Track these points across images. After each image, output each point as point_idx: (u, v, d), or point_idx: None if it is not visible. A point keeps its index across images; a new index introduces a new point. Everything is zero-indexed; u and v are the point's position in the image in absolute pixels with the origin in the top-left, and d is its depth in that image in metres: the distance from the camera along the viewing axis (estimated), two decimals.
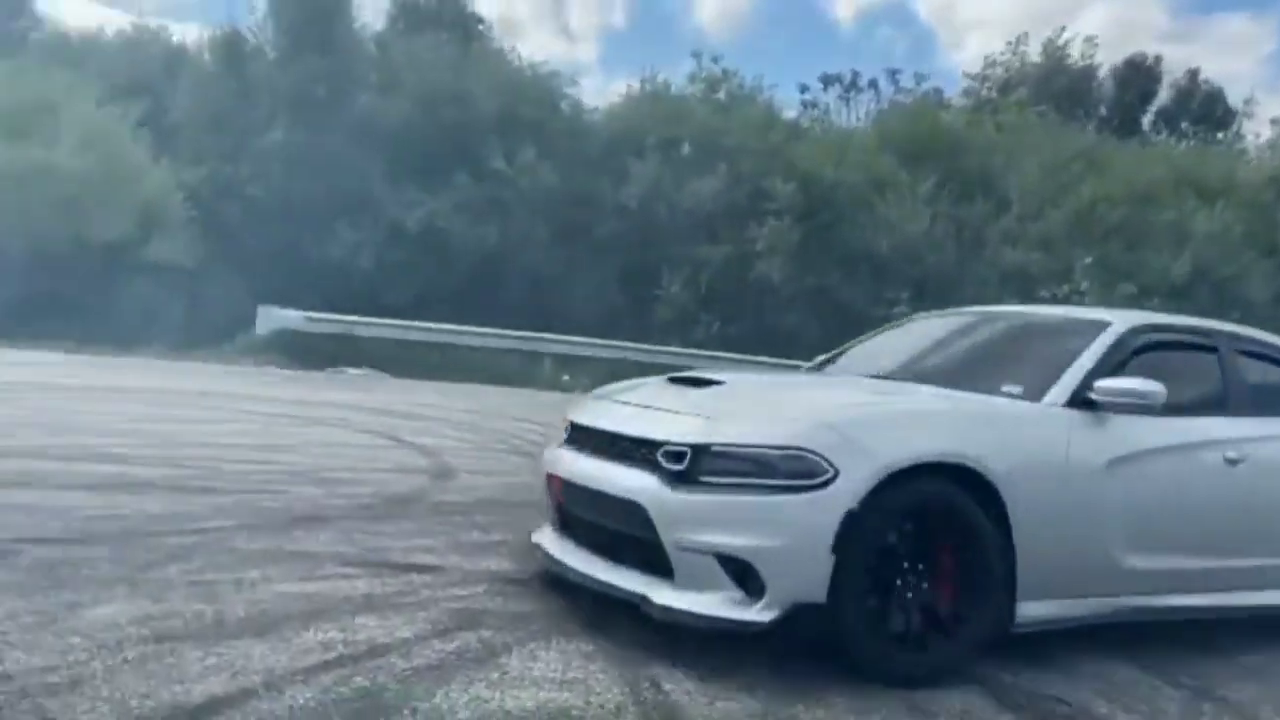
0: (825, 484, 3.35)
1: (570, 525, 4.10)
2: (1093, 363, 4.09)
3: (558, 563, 3.98)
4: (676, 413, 3.79)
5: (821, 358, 5.39)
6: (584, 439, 4.07)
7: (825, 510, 3.33)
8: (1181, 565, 4.14)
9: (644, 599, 3.48)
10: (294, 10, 23.66)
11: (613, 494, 3.68)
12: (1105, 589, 3.95)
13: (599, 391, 4.52)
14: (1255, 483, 4.31)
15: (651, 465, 3.57)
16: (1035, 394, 4.00)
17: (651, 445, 3.61)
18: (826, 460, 3.37)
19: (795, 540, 3.33)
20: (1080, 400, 3.96)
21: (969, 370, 4.44)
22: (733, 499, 3.40)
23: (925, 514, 3.52)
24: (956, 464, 3.54)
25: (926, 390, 4.16)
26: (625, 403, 4.10)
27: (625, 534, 3.65)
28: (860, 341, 5.46)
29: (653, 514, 3.48)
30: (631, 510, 3.55)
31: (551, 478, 4.16)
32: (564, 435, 4.28)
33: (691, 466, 3.47)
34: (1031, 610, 3.72)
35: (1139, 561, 3.98)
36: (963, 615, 3.53)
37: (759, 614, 3.33)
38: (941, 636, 3.51)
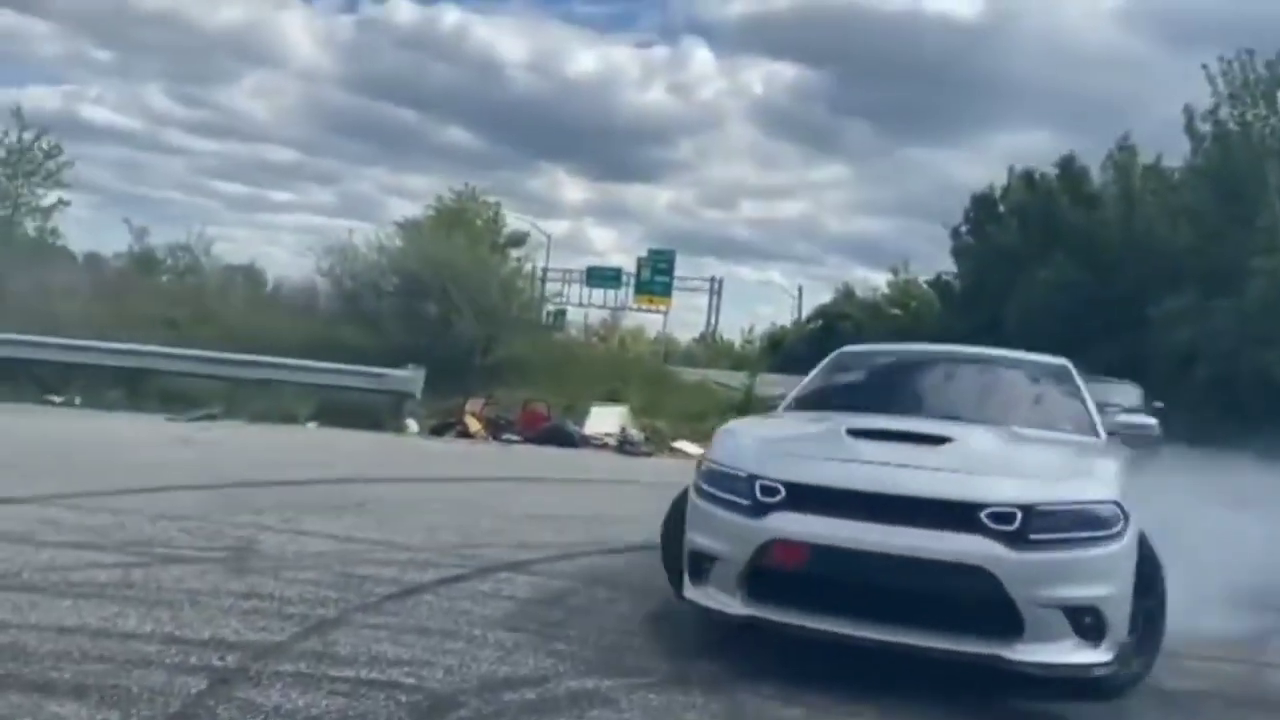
0: (1122, 532, 3.92)
1: (819, 590, 3.99)
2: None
3: (807, 629, 3.96)
4: (980, 474, 4.11)
5: (789, 396, 5.75)
6: (839, 502, 4.02)
7: (1132, 556, 3.95)
8: None
9: (997, 657, 3.77)
10: None
11: (933, 558, 3.81)
12: None
13: (785, 449, 4.49)
14: None
15: (974, 527, 3.83)
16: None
17: (973, 507, 3.86)
18: (1123, 509, 3.96)
19: (1122, 586, 3.89)
20: None
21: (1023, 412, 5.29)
22: (1072, 554, 3.84)
23: None
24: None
25: (1075, 440, 4.91)
26: (870, 462, 4.17)
27: (939, 595, 3.82)
28: (810, 381, 5.84)
29: (1000, 575, 3.74)
30: (969, 573, 3.77)
31: (781, 544, 4.03)
32: (777, 498, 4.12)
33: (1023, 526, 3.82)
34: None
35: None
36: None
37: (1103, 655, 3.80)
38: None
